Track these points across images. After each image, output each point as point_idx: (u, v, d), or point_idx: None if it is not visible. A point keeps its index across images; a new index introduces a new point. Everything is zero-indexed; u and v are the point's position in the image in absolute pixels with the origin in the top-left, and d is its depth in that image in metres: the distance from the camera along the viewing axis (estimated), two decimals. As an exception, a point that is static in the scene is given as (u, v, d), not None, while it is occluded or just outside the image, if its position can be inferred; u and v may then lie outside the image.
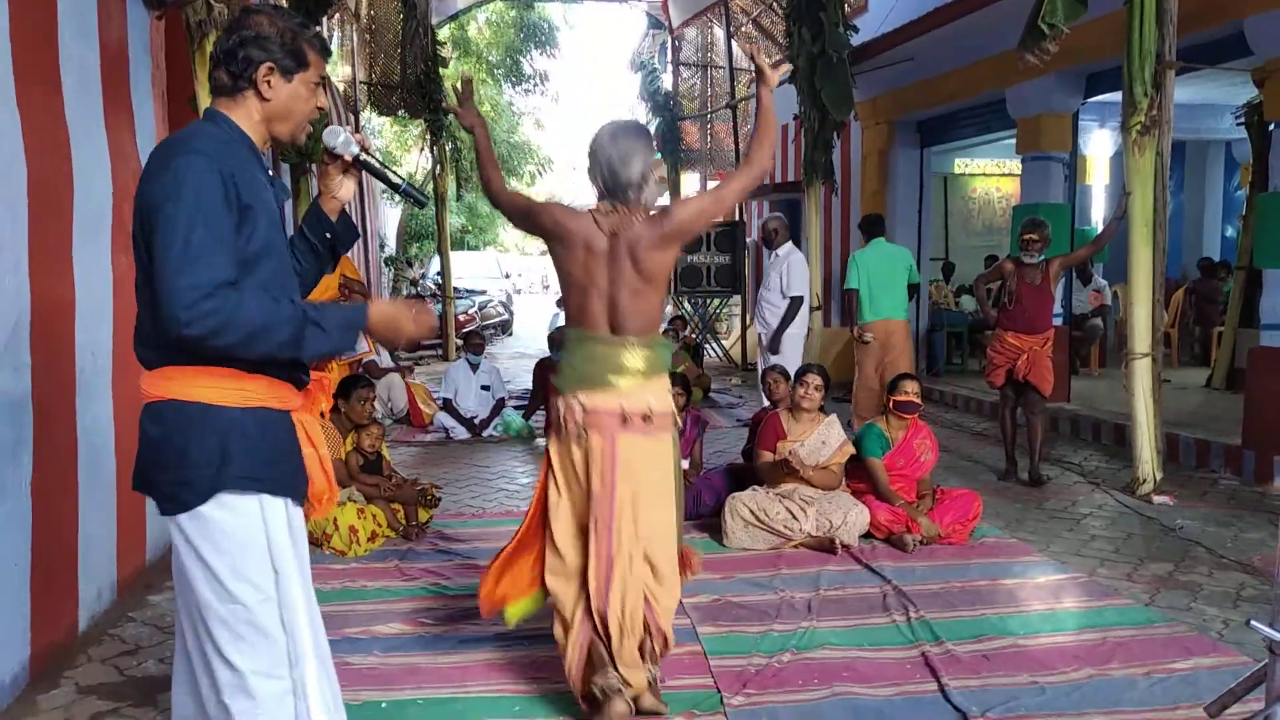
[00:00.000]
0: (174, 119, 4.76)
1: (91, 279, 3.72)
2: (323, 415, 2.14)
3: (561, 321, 8.25)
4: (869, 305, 6.97)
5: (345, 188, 2.23)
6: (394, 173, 2.28)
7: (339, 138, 2.16)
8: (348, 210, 2.30)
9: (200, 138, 1.90)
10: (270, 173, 2.04)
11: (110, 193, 3.93)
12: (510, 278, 26.15)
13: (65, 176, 3.54)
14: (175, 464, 1.88)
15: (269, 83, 1.96)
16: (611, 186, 2.87)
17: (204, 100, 4.34)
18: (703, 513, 5.11)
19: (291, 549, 1.97)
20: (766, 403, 5.98)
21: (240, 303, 1.77)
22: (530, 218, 2.99)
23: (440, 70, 13.45)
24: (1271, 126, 6.49)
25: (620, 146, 2.86)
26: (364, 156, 2.19)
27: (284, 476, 1.97)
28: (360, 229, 2.06)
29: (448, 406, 7.94)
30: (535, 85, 23.93)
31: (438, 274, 14.77)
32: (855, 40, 9.56)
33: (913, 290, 7.19)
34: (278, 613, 1.92)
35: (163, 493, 1.92)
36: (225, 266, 1.79)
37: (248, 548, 1.90)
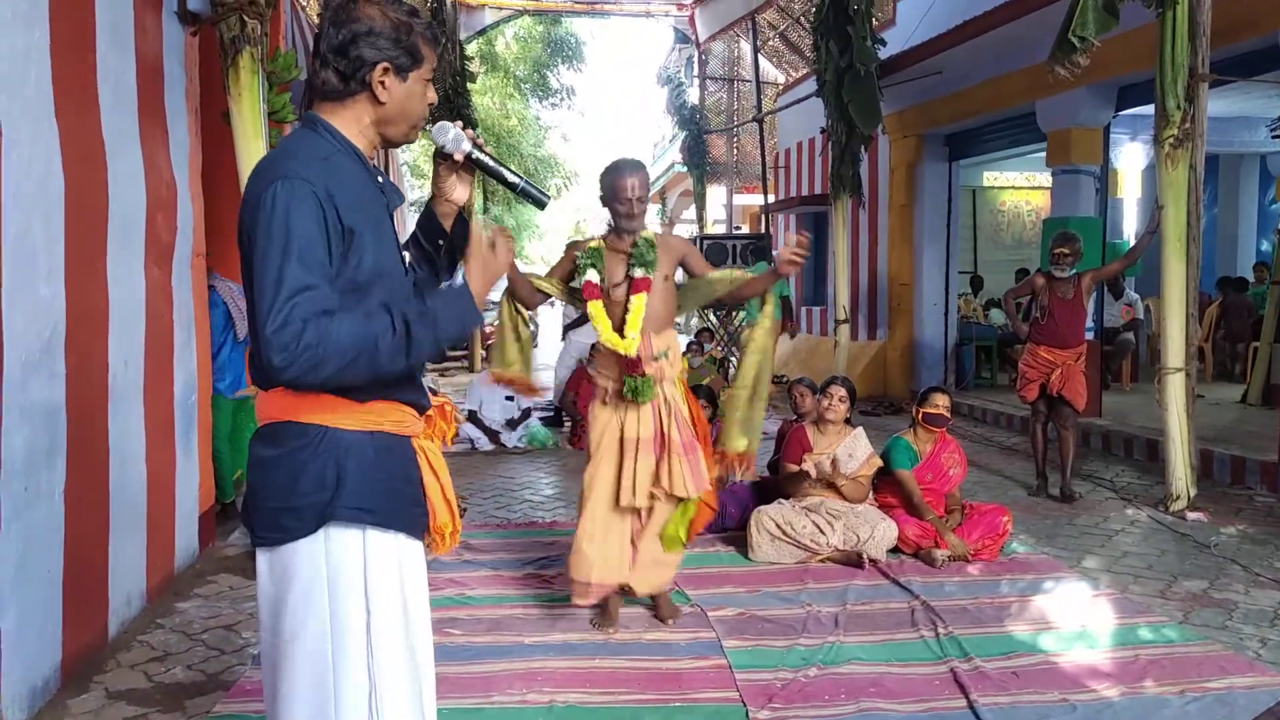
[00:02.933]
0: (207, 133, 4.83)
1: (124, 289, 3.77)
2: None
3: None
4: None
5: (459, 189, 2.00)
6: (511, 170, 2.00)
7: (449, 134, 1.93)
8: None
9: (297, 157, 1.71)
10: (380, 179, 1.87)
11: (144, 205, 3.99)
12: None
13: (100, 188, 3.60)
14: (285, 490, 1.71)
15: (384, 84, 1.77)
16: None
17: (237, 115, 4.40)
18: (728, 526, 5.09)
19: (397, 591, 1.77)
20: (793, 416, 5.94)
21: (330, 331, 1.60)
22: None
23: (469, 85, 13.56)
24: (1307, 139, 6.41)
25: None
26: (477, 155, 1.95)
27: (398, 509, 1.79)
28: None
29: (473, 418, 7.97)
30: (562, 99, 24.08)
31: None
32: (883, 54, 9.54)
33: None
34: (366, 660, 1.71)
35: (266, 521, 1.74)
36: (320, 300, 1.62)
37: (344, 587, 1.71)
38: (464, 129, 1.96)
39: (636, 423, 3.72)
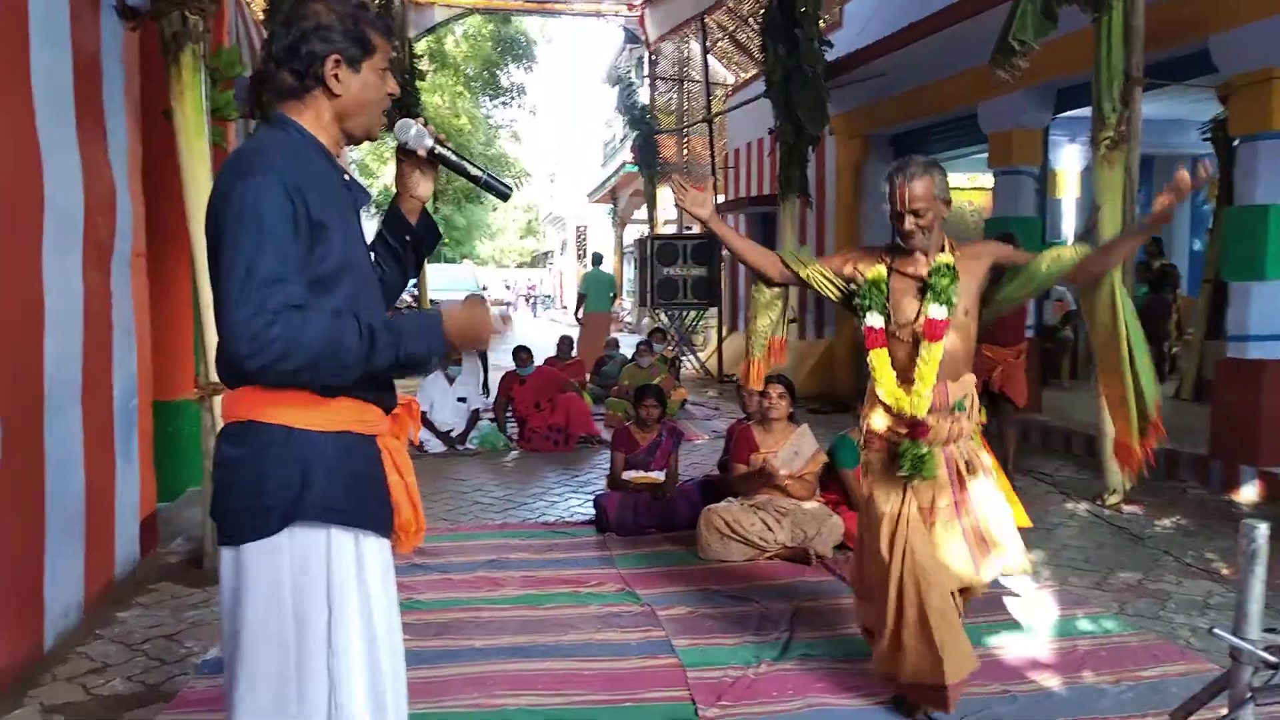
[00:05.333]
0: (148, 131, 4.73)
1: (61, 291, 3.68)
2: (411, 443, 1.99)
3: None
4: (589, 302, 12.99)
5: (423, 185, 2.05)
6: (474, 164, 2.05)
7: (411, 131, 1.97)
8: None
9: (267, 153, 1.74)
10: (347, 176, 1.89)
11: (81, 205, 3.90)
12: (486, 290, 26.12)
13: (36, 188, 3.51)
14: (252, 490, 1.74)
15: (336, 76, 1.80)
16: None
17: (179, 113, 4.31)
18: (678, 525, 5.12)
19: (358, 589, 1.79)
20: (743, 414, 6.00)
21: (302, 327, 1.63)
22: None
23: (418, 83, 13.43)
24: (1236, 142, 6.62)
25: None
26: (440, 150, 1.99)
27: (363, 507, 1.81)
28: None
29: (423, 420, 7.90)
30: (512, 98, 24.00)
31: (414, 285, 14.72)
32: (830, 56, 9.64)
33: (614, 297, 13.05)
34: (326, 658, 1.74)
35: (233, 520, 1.76)
36: (290, 292, 1.65)
37: (306, 585, 1.74)
38: (425, 124, 1.99)
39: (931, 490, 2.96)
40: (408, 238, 2.07)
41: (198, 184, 4.28)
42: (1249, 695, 1.42)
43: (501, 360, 13.79)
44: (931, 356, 2.89)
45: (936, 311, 2.90)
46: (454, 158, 2.01)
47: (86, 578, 3.85)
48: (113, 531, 4.19)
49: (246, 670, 1.75)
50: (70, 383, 3.76)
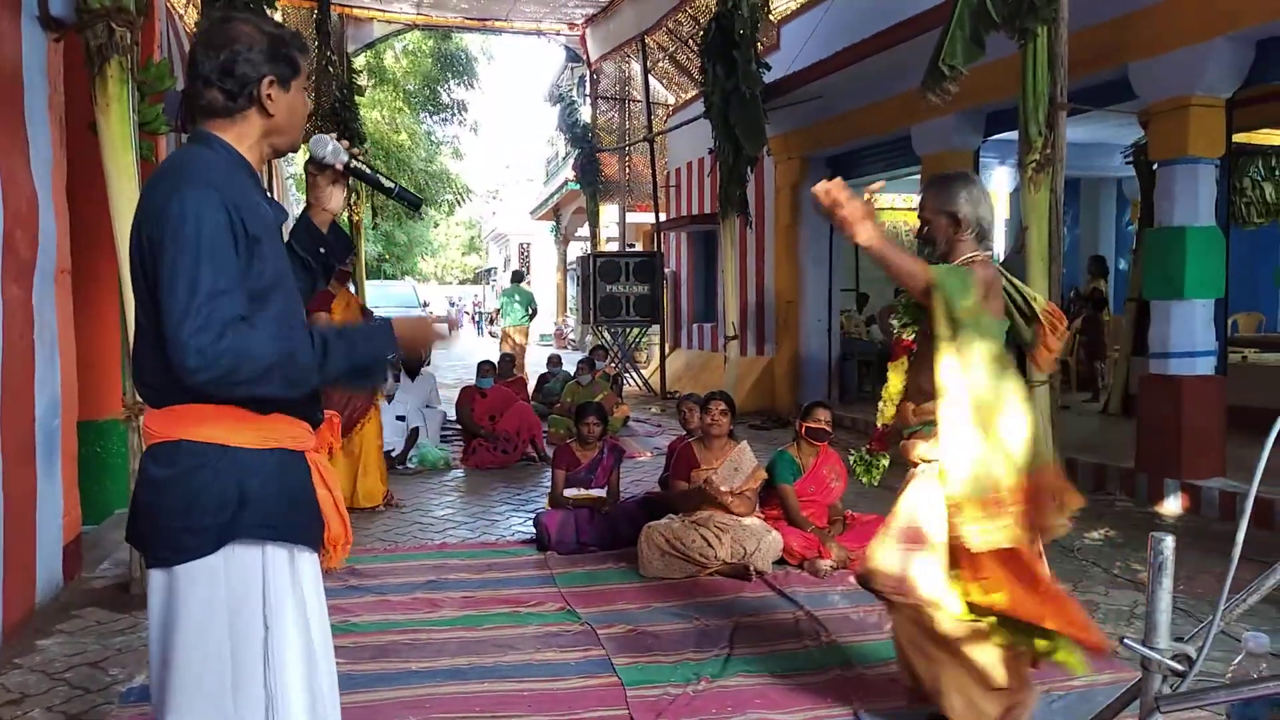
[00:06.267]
0: (73, 144, 4.61)
1: (-21, 309, 3.57)
2: (330, 454, 2.01)
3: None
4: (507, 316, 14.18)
5: (335, 198, 2.12)
6: (386, 177, 2.17)
7: (328, 147, 2.04)
8: None
9: (200, 167, 1.75)
10: (266, 193, 1.93)
11: (1, 221, 3.78)
12: (428, 306, 25.89)
13: (-48, 202, 3.40)
14: (183, 509, 1.72)
15: (270, 96, 1.83)
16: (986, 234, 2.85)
17: (105, 126, 4.21)
18: (620, 543, 5.11)
19: (291, 603, 1.79)
20: (684, 431, 6.02)
21: (251, 338, 1.64)
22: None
23: (356, 98, 13.31)
24: (1156, 166, 6.87)
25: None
26: (355, 164, 2.07)
27: (297, 523, 1.82)
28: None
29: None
30: (453, 115, 23.90)
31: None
32: (768, 77, 9.80)
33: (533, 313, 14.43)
34: (263, 675, 1.74)
35: (163, 540, 1.74)
36: (235, 305, 1.65)
37: (242, 602, 1.74)
38: (339, 139, 2.08)
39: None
40: (321, 249, 2.11)
41: (124, 198, 4.18)
42: (1155, 704, 1.46)
43: (445, 373, 13.65)
44: (893, 374, 3.02)
45: (903, 331, 2.96)
46: (369, 171, 2.10)
47: (5, 604, 3.71)
48: (34, 556, 4.04)
49: (178, 695, 1.73)
50: (-12, 403, 3.63)
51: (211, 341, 1.60)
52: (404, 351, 1.87)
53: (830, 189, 2.50)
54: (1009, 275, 3.00)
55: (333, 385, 1.84)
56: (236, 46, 1.80)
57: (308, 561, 1.86)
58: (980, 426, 2.67)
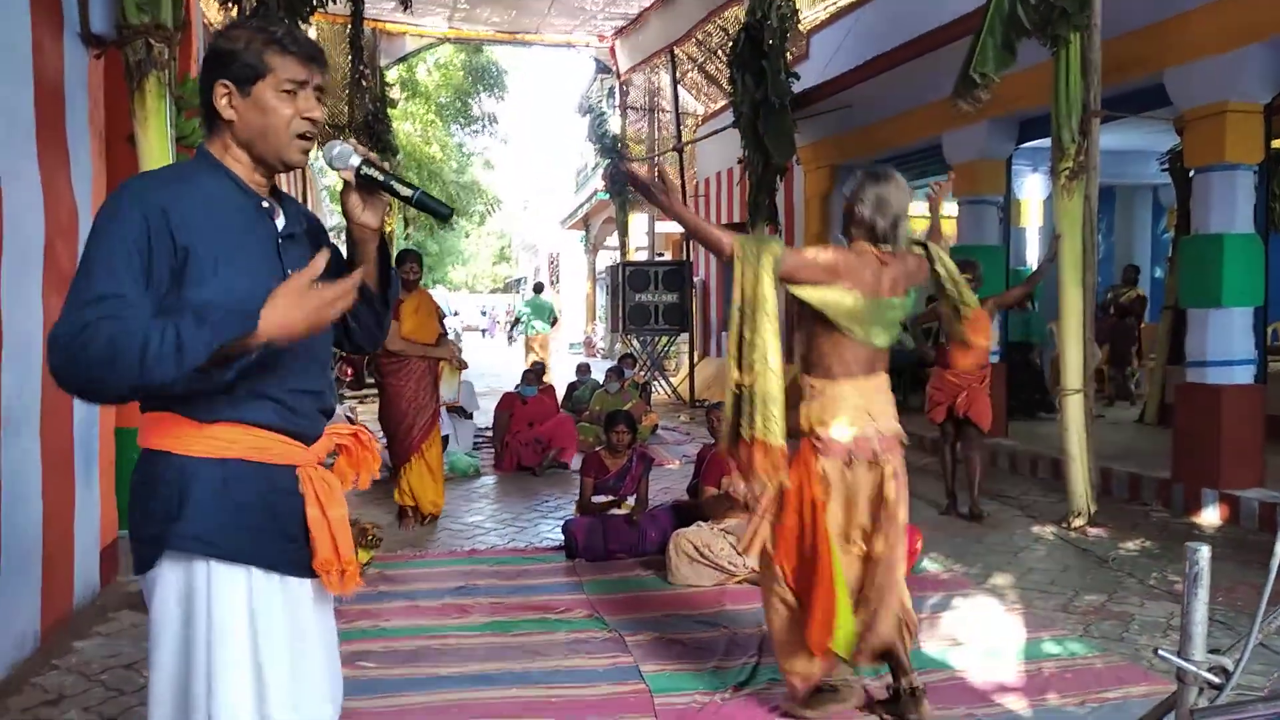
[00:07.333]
0: (112, 158, 4.70)
1: (20, 318, 3.64)
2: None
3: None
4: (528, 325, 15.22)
5: (366, 211, 1.86)
6: (405, 184, 1.86)
7: (334, 151, 1.83)
8: None
9: (146, 174, 1.77)
10: (266, 204, 1.81)
11: (42, 231, 3.86)
12: (458, 315, 26.06)
13: (-5, 213, 3.48)
14: (140, 519, 1.72)
15: (227, 103, 1.73)
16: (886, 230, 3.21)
17: (143, 140, 4.30)
18: (648, 550, 5.11)
19: (245, 630, 1.68)
20: (712, 439, 6.01)
21: (100, 328, 1.52)
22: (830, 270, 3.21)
23: (389, 111, 13.47)
24: (1192, 173, 6.77)
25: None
26: (365, 170, 1.82)
27: (250, 542, 1.70)
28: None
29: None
30: (484, 127, 24.10)
31: None
32: (797, 87, 9.79)
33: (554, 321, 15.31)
34: (205, 702, 1.66)
35: (133, 549, 1.74)
36: (110, 306, 1.56)
37: (187, 620, 1.68)
38: (348, 141, 1.87)
39: None
40: (378, 271, 1.94)
41: (163, 210, 4.25)
42: (1191, 717, 1.44)
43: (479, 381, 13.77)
44: None
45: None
46: (382, 178, 1.83)
47: (43, 607, 3.77)
48: (72, 560, 4.11)
49: (150, 704, 1.74)
50: (29, 409, 3.71)
51: (63, 334, 1.55)
52: (277, 335, 1.57)
53: (641, 170, 3.06)
54: (954, 275, 3.38)
55: (226, 372, 1.63)
56: (206, 58, 1.78)
57: (278, 587, 1.73)
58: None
